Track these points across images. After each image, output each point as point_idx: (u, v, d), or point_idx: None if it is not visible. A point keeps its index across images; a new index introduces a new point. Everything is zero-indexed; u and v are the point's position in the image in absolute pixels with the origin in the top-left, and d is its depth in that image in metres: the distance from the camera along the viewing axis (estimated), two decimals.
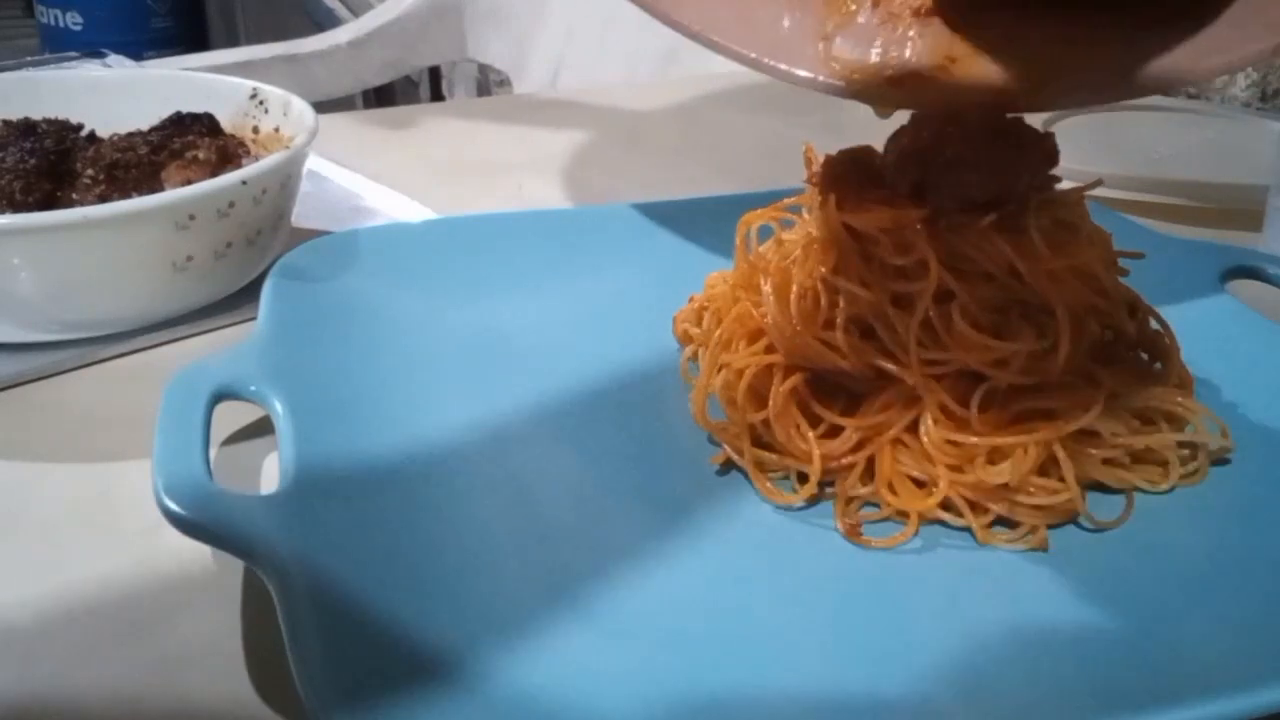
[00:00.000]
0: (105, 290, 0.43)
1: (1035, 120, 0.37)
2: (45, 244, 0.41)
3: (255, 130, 0.53)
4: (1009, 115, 0.35)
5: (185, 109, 0.51)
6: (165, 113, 0.51)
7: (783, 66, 0.36)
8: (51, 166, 0.46)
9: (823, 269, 0.35)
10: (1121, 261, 0.36)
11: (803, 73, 0.35)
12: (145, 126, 0.50)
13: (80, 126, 0.50)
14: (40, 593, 0.32)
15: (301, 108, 0.51)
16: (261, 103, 0.53)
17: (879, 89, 0.34)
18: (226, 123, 0.52)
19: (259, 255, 0.47)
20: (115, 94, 0.54)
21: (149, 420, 0.34)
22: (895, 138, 0.36)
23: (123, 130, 0.50)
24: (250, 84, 0.54)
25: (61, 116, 0.50)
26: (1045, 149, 0.35)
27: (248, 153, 0.51)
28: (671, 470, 0.36)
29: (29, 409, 0.41)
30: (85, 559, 0.34)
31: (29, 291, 0.42)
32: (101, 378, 0.43)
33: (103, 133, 0.50)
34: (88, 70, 0.74)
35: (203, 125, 0.51)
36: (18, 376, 0.42)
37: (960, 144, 0.34)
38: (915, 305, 0.34)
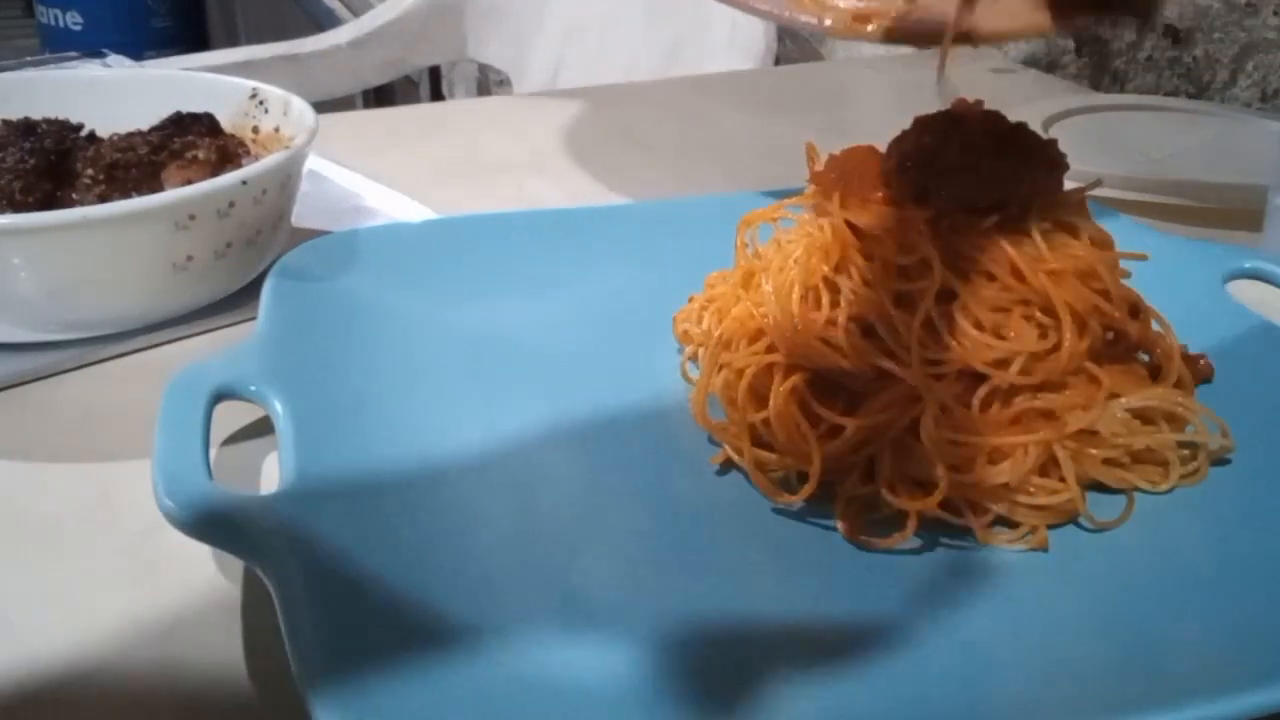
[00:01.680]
0: (105, 290, 0.43)
1: (1036, 124, 0.37)
2: (45, 244, 0.41)
3: (255, 130, 0.53)
4: (1012, 122, 0.35)
5: (185, 109, 0.51)
6: (165, 113, 0.51)
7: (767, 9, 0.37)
8: (51, 166, 0.46)
9: (825, 268, 0.35)
10: (1124, 262, 0.36)
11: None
12: (145, 126, 0.50)
13: (80, 126, 0.50)
14: (40, 593, 0.32)
15: (301, 108, 0.51)
16: (261, 103, 0.53)
17: (851, 26, 0.35)
18: (226, 123, 0.52)
19: (259, 255, 0.47)
20: (115, 94, 0.54)
21: (149, 420, 0.34)
22: (898, 141, 0.36)
23: (123, 130, 0.50)
24: (250, 84, 0.54)
25: (61, 116, 0.50)
26: (1048, 157, 0.35)
27: (248, 153, 0.50)
28: (671, 470, 0.36)
29: (29, 409, 0.41)
30: (85, 559, 0.34)
31: (29, 291, 0.42)
32: (101, 378, 0.43)
33: (103, 133, 0.50)
34: (88, 70, 0.74)
35: (203, 125, 0.51)
36: (18, 376, 0.42)
37: (961, 150, 0.35)
38: (917, 304, 0.34)
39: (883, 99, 0.81)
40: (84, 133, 0.50)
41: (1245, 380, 0.39)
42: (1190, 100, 0.79)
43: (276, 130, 0.52)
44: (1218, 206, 0.58)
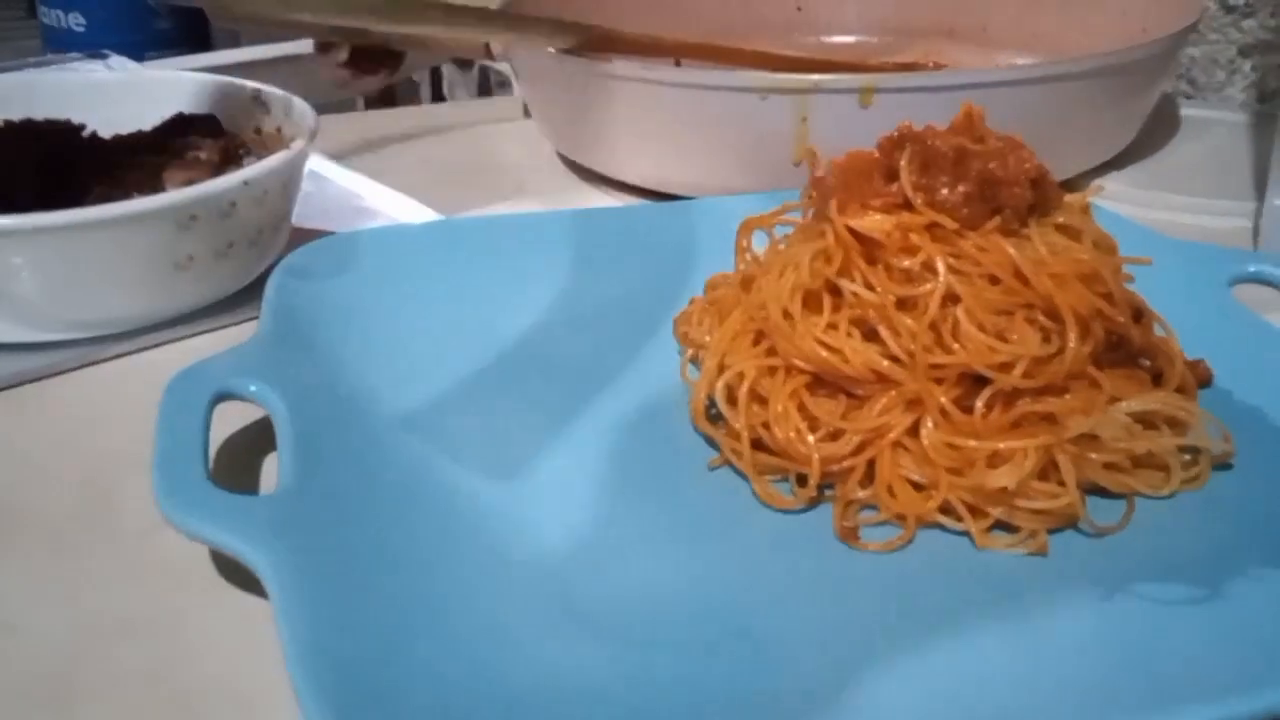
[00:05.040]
0: (107, 290, 0.43)
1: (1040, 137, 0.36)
2: (47, 244, 0.41)
3: (257, 131, 0.53)
4: (977, 147, 0.35)
5: (187, 110, 0.51)
6: (167, 113, 0.51)
7: None
8: (52, 167, 0.46)
9: (827, 271, 0.35)
10: (1128, 267, 0.36)
11: None
12: (147, 127, 0.50)
13: (82, 127, 0.50)
14: (40, 593, 0.32)
15: (303, 108, 0.51)
16: (263, 104, 0.53)
17: None
18: (228, 123, 0.52)
19: (260, 255, 0.47)
20: (117, 95, 0.54)
21: (149, 420, 0.34)
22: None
23: (124, 131, 0.50)
24: (252, 85, 0.54)
25: (63, 117, 0.50)
26: (1028, 177, 0.35)
27: (249, 153, 0.51)
28: (670, 472, 0.36)
29: (29, 409, 0.41)
30: (85, 559, 0.34)
31: (30, 291, 0.42)
32: (101, 378, 0.43)
33: (104, 134, 0.50)
34: (89, 71, 0.74)
35: (204, 126, 0.51)
36: (17, 376, 0.42)
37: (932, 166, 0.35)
38: (920, 308, 0.34)
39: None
40: (85, 133, 0.50)
41: (1248, 384, 0.39)
42: (1188, 100, 0.79)
43: (278, 131, 0.52)
44: (1218, 207, 0.58)
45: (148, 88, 0.55)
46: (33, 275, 0.41)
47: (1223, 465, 0.36)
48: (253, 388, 0.37)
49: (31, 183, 0.45)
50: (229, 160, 0.49)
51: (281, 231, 0.48)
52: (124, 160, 0.47)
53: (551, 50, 0.59)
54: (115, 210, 0.41)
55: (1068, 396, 0.33)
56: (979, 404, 0.33)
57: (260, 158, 0.49)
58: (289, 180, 0.47)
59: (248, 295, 0.46)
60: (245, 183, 0.44)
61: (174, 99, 0.52)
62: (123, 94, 0.54)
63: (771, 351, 0.36)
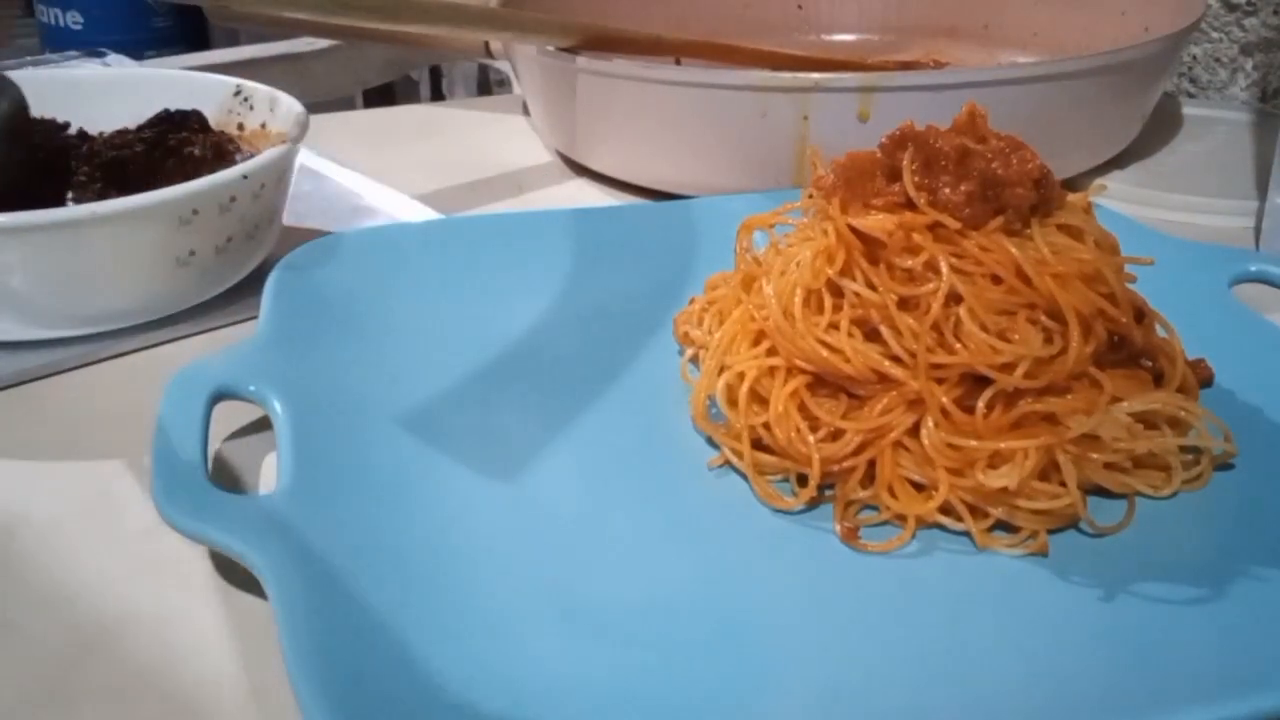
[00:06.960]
0: (110, 286, 0.43)
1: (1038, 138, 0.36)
2: (52, 241, 0.41)
3: (240, 127, 0.53)
4: (980, 146, 0.35)
5: (169, 107, 0.51)
6: (147, 111, 0.51)
7: None
8: (47, 165, 0.46)
9: (829, 271, 0.35)
10: (1130, 266, 0.36)
11: None
12: (126, 125, 0.50)
13: (67, 125, 0.50)
14: (40, 593, 0.32)
15: (289, 103, 0.51)
16: (246, 99, 0.53)
17: None
18: (210, 120, 0.52)
19: (255, 250, 0.47)
20: (99, 92, 0.54)
21: (149, 419, 0.34)
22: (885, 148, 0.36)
23: (106, 129, 0.50)
24: (234, 81, 0.54)
25: (47, 115, 0.50)
26: (1033, 179, 0.34)
27: (238, 149, 0.50)
28: (670, 472, 0.36)
29: (29, 409, 0.41)
30: (85, 559, 0.33)
31: (34, 288, 0.41)
32: (101, 377, 0.43)
33: (89, 130, 0.50)
34: (67, 70, 0.73)
35: (194, 122, 0.51)
36: (18, 376, 0.42)
37: (935, 167, 0.35)
38: (922, 307, 0.34)
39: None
40: (72, 131, 0.50)
41: (1250, 384, 0.39)
42: (1189, 99, 0.79)
43: (263, 126, 0.52)
44: (1218, 207, 0.58)
45: (130, 85, 0.54)
46: (38, 272, 0.41)
47: (1224, 465, 0.36)
48: (252, 387, 0.37)
49: (23, 179, 0.45)
50: (221, 156, 0.49)
51: (274, 226, 0.48)
52: (119, 157, 0.47)
53: (551, 49, 0.59)
54: (121, 206, 0.41)
55: (1069, 396, 0.33)
56: (980, 404, 0.33)
57: (247, 154, 0.49)
58: (283, 174, 0.48)
59: (247, 294, 0.46)
60: (245, 176, 0.44)
61: (156, 96, 0.52)
62: (104, 91, 0.54)
63: (772, 351, 0.36)
